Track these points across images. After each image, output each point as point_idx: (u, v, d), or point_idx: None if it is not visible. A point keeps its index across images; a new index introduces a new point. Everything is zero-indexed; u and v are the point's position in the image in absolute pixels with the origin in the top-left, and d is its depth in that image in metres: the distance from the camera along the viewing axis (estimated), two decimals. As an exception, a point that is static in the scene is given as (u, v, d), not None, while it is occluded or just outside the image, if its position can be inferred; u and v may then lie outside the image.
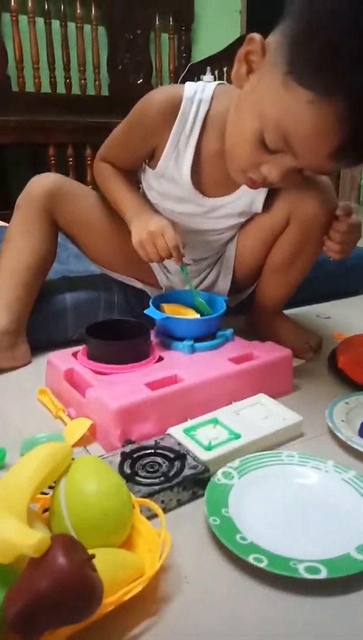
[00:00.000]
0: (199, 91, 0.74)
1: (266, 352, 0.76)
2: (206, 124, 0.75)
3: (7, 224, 0.90)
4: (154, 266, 0.94)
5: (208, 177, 0.79)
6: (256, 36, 0.60)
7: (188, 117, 0.74)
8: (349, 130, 0.56)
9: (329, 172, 0.67)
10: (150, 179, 0.83)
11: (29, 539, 0.36)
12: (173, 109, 0.74)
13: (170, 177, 0.79)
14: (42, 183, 0.85)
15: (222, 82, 0.77)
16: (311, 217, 0.79)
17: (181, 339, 0.78)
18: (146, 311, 0.78)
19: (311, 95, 0.55)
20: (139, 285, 0.96)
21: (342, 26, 0.52)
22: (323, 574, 0.44)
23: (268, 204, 0.82)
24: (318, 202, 0.78)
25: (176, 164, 0.78)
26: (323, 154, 0.59)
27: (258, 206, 0.83)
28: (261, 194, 0.81)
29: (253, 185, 0.69)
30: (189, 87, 0.74)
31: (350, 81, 0.53)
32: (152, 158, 0.81)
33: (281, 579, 0.44)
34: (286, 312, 0.97)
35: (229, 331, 0.81)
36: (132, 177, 0.87)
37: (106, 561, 0.40)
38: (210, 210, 0.83)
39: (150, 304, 0.80)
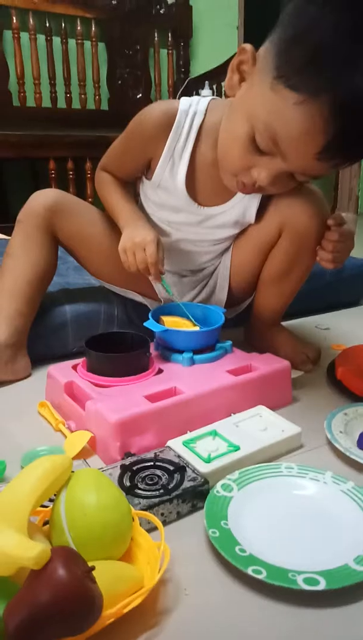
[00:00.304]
0: (194, 104, 0.77)
1: (264, 364, 0.77)
2: (200, 134, 0.77)
3: (7, 237, 0.91)
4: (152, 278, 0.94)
5: (202, 187, 0.81)
6: (247, 46, 0.64)
7: (182, 128, 0.77)
8: (335, 130, 0.58)
9: (318, 176, 0.68)
10: (147, 190, 0.85)
11: (30, 551, 0.36)
12: (168, 121, 0.76)
13: (165, 186, 0.81)
14: (42, 199, 0.87)
15: (215, 97, 0.80)
16: (303, 227, 0.79)
17: (181, 352, 0.79)
18: (145, 324, 0.79)
19: (298, 97, 0.58)
20: (138, 298, 0.97)
21: (329, 31, 0.55)
22: (321, 585, 0.44)
23: (260, 215, 0.84)
24: (310, 212, 0.78)
25: (171, 173, 0.80)
26: (310, 154, 0.61)
27: (251, 216, 0.84)
28: (253, 204, 0.82)
29: (245, 189, 0.72)
30: (184, 101, 0.77)
31: (337, 83, 0.56)
32: (148, 169, 0.83)
33: (280, 591, 0.45)
34: (284, 323, 0.98)
35: (228, 343, 0.82)
36: (130, 187, 0.89)
37: (105, 573, 0.41)
38: (205, 220, 0.84)
39: (149, 316, 0.81)
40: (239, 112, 0.67)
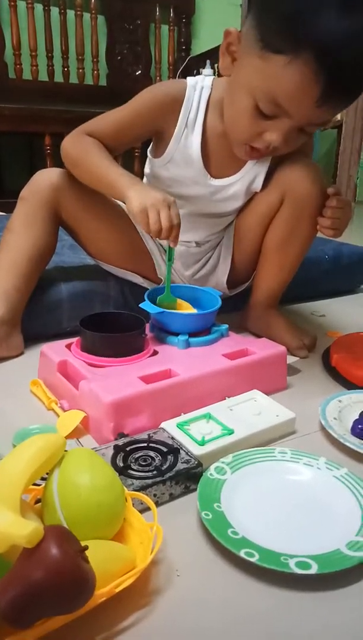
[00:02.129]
0: (200, 81, 0.82)
1: (260, 349, 0.76)
2: (209, 106, 0.81)
3: (1, 213, 0.90)
4: (156, 258, 0.95)
5: (214, 158, 0.84)
6: (231, 29, 0.71)
7: (192, 101, 0.81)
8: (325, 76, 0.63)
9: (325, 122, 0.73)
10: (157, 168, 0.86)
11: (23, 530, 0.35)
12: (179, 96, 0.80)
13: (179, 159, 0.83)
14: (48, 177, 0.86)
15: (216, 77, 0.84)
16: (303, 194, 0.83)
17: (176, 334, 0.78)
18: (141, 305, 0.78)
19: (284, 58, 0.64)
20: (138, 280, 0.96)
21: None
22: (313, 569, 0.44)
23: (263, 185, 0.87)
24: (310, 181, 0.82)
25: (185, 144, 0.82)
26: (310, 105, 0.67)
27: (259, 183, 0.87)
28: (262, 171, 0.86)
29: (258, 154, 0.77)
30: (191, 79, 0.82)
31: (313, 33, 0.61)
32: (158, 147, 0.85)
33: (272, 574, 0.45)
34: (281, 309, 0.97)
35: (224, 327, 0.81)
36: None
37: (98, 553, 0.40)
38: (216, 192, 0.86)
39: (145, 297, 0.80)
40: (238, 88, 0.72)
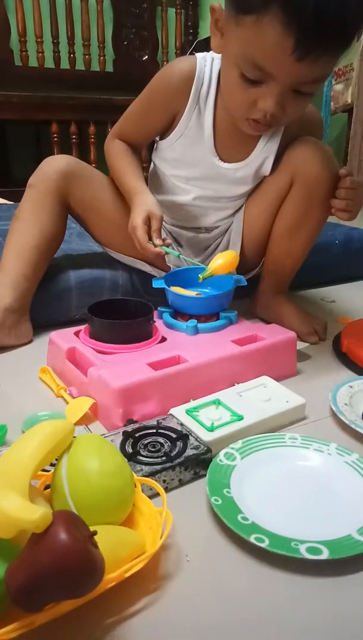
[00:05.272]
0: (209, 54, 0.80)
1: (270, 335, 0.76)
2: (219, 82, 0.79)
3: (7, 202, 0.89)
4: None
5: (223, 142, 0.83)
6: (215, 5, 0.70)
7: (204, 74, 0.80)
8: (294, 27, 0.61)
9: (317, 79, 0.69)
10: (162, 151, 0.86)
11: (31, 515, 0.35)
12: (191, 72, 0.79)
13: (191, 134, 0.82)
14: (56, 163, 0.86)
15: None
16: (314, 177, 0.81)
17: (185, 320, 0.77)
18: (153, 280, 0.80)
19: (253, 17, 0.63)
20: (147, 268, 0.95)
21: None
22: (324, 555, 0.44)
23: (273, 168, 0.85)
24: (321, 163, 0.80)
25: (198, 121, 0.81)
26: (288, 59, 0.64)
27: (268, 167, 0.85)
28: (271, 155, 0.84)
29: (260, 127, 0.75)
30: (199, 54, 0.81)
31: None
32: (169, 127, 0.84)
33: (283, 559, 0.44)
34: (291, 295, 0.96)
35: (233, 313, 0.80)
36: (140, 156, 0.90)
37: (107, 538, 0.40)
38: (223, 175, 0.85)
39: (163, 279, 0.81)
40: (225, 60, 0.73)
